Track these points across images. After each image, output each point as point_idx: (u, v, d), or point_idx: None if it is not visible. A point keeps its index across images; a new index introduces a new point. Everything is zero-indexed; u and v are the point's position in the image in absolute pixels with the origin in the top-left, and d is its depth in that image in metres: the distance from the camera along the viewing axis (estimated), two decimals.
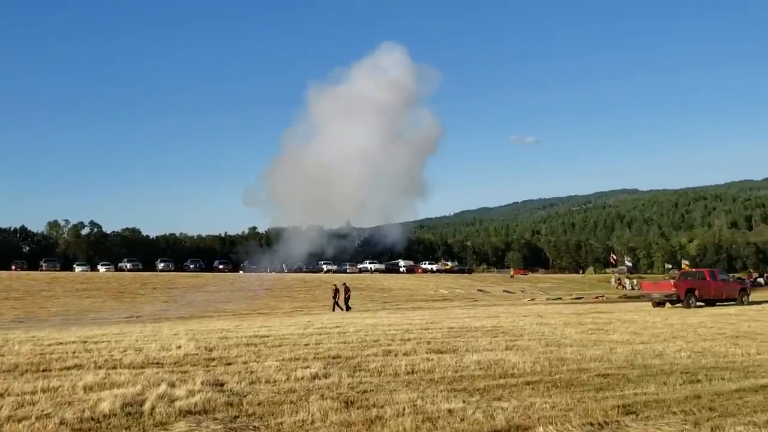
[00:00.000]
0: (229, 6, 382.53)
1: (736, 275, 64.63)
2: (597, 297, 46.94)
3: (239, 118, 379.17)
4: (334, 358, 11.33)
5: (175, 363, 10.76)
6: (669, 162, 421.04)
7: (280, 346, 13.24)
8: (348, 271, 78.23)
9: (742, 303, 30.24)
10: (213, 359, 11.22)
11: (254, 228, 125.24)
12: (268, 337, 15.06)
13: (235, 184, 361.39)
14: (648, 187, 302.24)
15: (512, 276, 78.45)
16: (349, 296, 34.85)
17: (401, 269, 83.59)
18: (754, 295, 34.52)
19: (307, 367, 9.92)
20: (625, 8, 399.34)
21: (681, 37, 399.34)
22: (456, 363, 10.52)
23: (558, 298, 46.94)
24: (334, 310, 33.06)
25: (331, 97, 77.33)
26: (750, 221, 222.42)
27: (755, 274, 64.92)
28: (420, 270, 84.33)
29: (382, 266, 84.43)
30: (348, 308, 33.70)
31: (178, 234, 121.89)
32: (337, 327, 17.83)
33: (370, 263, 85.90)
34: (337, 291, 34.47)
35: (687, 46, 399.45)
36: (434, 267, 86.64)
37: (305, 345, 13.26)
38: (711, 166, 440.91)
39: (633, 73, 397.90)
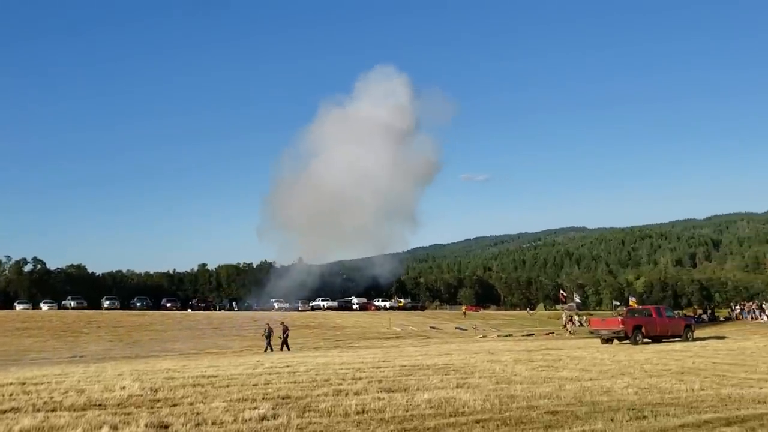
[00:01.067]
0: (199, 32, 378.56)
1: (682, 312, 66.18)
2: (547, 334, 47.39)
3: (184, 153, 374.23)
4: (283, 398, 11.15)
5: (119, 405, 10.45)
6: (616, 201, 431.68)
7: (228, 386, 12.98)
8: (300, 308, 77.40)
9: (687, 339, 30.88)
10: (158, 400, 10.93)
11: (204, 265, 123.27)
12: (215, 377, 14.75)
13: (183, 220, 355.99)
14: (595, 225, 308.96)
15: (464, 313, 78.62)
16: (287, 335, 33.18)
17: (354, 306, 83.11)
18: (699, 332, 35.31)
19: (255, 408, 9.74)
20: (570, 43, 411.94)
21: (626, 74, 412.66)
22: (407, 402, 10.47)
23: (509, 335, 47.23)
24: (266, 351, 31.41)
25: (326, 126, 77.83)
26: (694, 259, 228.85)
27: (699, 311, 66.51)
28: (373, 307, 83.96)
29: (335, 303, 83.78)
30: (287, 348, 32.18)
31: (124, 271, 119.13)
32: (288, 366, 17.56)
33: (322, 300, 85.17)
34: (271, 330, 32.74)
35: (631, 85, 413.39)
36: (387, 304, 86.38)
37: (254, 385, 13.04)
38: (656, 206, 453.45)
39: (581, 111, 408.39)
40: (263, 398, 11.08)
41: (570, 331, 47.48)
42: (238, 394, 11.56)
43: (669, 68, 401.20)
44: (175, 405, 10.42)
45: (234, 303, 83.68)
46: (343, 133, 77.12)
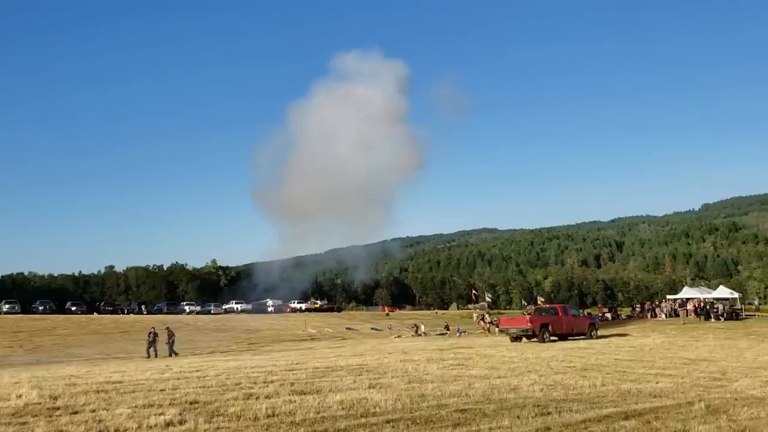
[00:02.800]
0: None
1: (587, 311, 68.93)
2: (459, 333, 48.30)
3: (91, 150, 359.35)
4: (191, 403, 10.87)
5: (14, 414, 9.92)
6: (525, 203, 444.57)
7: (133, 392, 12.55)
8: (213, 311, 75.77)
9: (591, 337, 32.16)
10: (57, 408, 10.44)
11: (112, 267, 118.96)
12: (121, 383, 14.24)
13: (89, 220, 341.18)
14: (506, 227, 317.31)
15: (387, 314, 79.07)
16: (173, 341, 31.79)
17: (269, 309, 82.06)
18: (602, 330, 36.86)
19: (161, 414, 9.46)
20: (486, 44, 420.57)
21: (535, 77, 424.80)
22: (318, 404, 10.42)
23: (423, 334, 47.92)
24: (149, 356, 29.97)
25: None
26: (598, 259, 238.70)
27: (604, 310, 69.47)
28: (288, 309, 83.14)
29: (249, 306, 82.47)
30: (173, 353, 30.84)
31: (26, 273, 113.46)
32: (197, 371, 17.16)
33: (236, 303, 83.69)
34: (156, 335, 31.12)
35: (540, 88, 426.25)
36: (303, 306, 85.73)
37: (161, 390, 12.66)
38: (563, 208, 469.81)
39: (491, 113, 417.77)
40: (170, 404, 10.77)
41: (488, 330, 48.48)
42: (144, 400, 11.20)
43: (575, 71, 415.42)
44: (75, 413, 9.99)
45: (143, 306, 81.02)
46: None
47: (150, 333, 31.44)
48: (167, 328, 32.95)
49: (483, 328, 51.45)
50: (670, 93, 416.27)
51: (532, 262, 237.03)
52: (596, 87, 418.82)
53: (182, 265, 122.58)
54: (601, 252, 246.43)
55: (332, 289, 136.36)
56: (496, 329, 49.26)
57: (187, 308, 77.71)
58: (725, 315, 46.57)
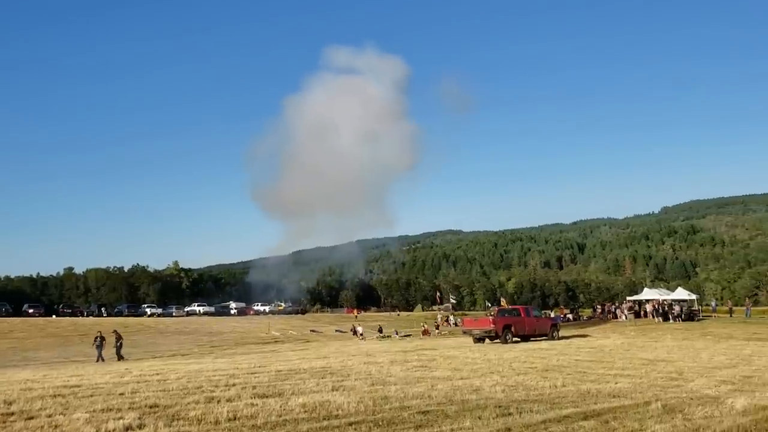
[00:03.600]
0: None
1: (550, 312, 69.80)
2: (424, 334, 48.49)
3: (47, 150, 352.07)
4: (151, 407, 10.72)
5: None
6: (490, 206, 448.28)
7: (92, 396, 12.34)
8: (174, 314, 74.80)
9: (552, 338, 32.57)
10: (12, 414, 10.21)
11: (71, 269, 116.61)
12: (79, 387, 13.98)
13: (48, 220, 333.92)
14: (471, 229, 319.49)
15: (356, 316, 78.89)
16: (120, 344, 30.91)
17: (232, 311, 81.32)
18: (564, 331, 37.33)
19: (120, 419, 9.32)
20: (434, 56, 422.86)
21: (495, 79, 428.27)
22: (281, 407, 10.37)
23: (388, 337, 47.94)
24: (98, 360, 29.16)
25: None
26: (560, 261, 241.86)
27: (566, 311, 70.42)
28: (252, 312, 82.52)
29: (212, 308, 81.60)
30: (121, 358, 29.97)
31: None
32: (158, 374, 16.93)
33: (198, 305, 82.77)
34: (103, 339, 30.31)
35: (499, 90, 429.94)
36: (267, 308, 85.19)
37: (120, 394, 12.47)
38: (526, 211, 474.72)
39: (456, 116, 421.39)
40: (129, 408, 10.61)
41: (440, 332, 48.71)
42: (103, 404, 11.01)
43: (530, 71, 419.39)
44: (31, 418, 9.77)
45: (103, 309, 79.63)
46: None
47: (96, 337, 30.59)
48: (114, 331, 32.17)
49: (426, 329, 50.89)
50: (630, 94, 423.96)
51: (496, 263, 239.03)
52: (553, 88, 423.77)
53: (143, 266, 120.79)
54: (563, 254, 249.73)
55: (296, 291, 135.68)
56: (436, 331, 49.34)
57: (148, 311, 76.63)
58: (682, 316, 47.59)
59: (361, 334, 48.41)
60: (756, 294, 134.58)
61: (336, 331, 55.31)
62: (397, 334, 49.20)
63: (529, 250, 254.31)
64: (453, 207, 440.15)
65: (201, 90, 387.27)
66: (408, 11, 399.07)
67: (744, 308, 63.12)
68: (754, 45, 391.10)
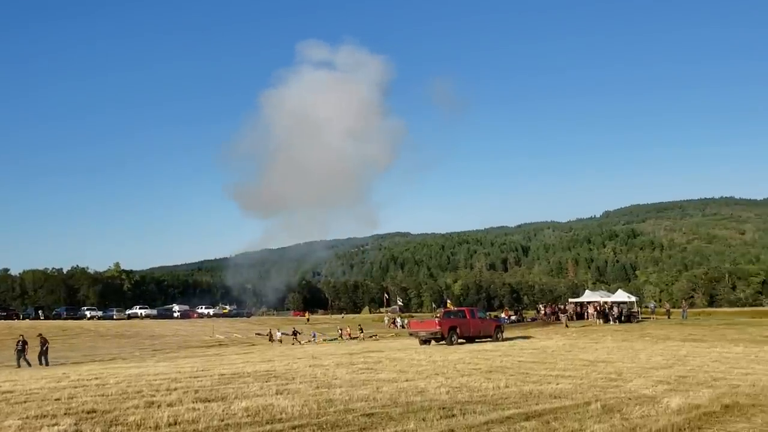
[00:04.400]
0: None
1: (494, 313, 70.75)
2: (371, 336, 48.52)
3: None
4: (88, 412, 10.41)
5: None
6: (437, 208, 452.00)
7: (25, 402, 11.92)
8: (115, 317, 72.97)
9: (497, 339, 32.96)
10: None
11: (6, 270, 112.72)
12: (12, 392, 13.50)
13: None
14: (419, 231, 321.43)
15: (308, 319, 78.31)
16: (46, 349, 29.40)
17: (175, 314, 79.79)
18: (508, 332, 37.83)
19: (55, 425, 9.02)
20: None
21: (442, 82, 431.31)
22: (223, 411, 10.19)
23: (334, 339, 47.82)
24: (19, 365, 27.69)
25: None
26: (505, 263, 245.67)
27: (510, 313, 71.46)
28: (195, 315, 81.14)
29: (154, 311, 79.88)
30: (47, 363, 28.55)
31: None
32: (97, 378, 16.46)
33: (140, 308, 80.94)
34: (25, 343, 28.78)
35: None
36: (211, 311, 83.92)
37: (56, 400, 12.07)
38: (473, 213, 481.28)
39: (405, 120, 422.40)
40: (65, 413, 10.28)
41: (363, 336, 48.02)
42: (37, 410, 10.64)
43: (481, 78, 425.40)
44: None
45: (41, 311, 77.07)
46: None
47: (18, 341, 29.01)
48: (39, 335, 30.80)
49: (346, 333, 50.60)
50: (575, 99, 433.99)
51: (443, 265, 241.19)
52: (500, 92, 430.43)
53: (83, 268, 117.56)
54: (508, 256, 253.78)
55: (242, 294, 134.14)
56: (360, 334, 48.65)
57: (88, 313, 74.52)
58: (620, 318, 48.87)
59: (279, 340, 46.37)
60: (692, 296, 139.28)
61: (282, 333, 54.87)
62: (314, 336, 48.00)
63: (475, 252, 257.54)
64: (401, 209, 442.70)
65: (149, 90, 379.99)
66: (397, 11, 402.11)
67: (681, 310, 65.18)
68: (694, 50, 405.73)
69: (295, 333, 47.71)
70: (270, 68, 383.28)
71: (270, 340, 46.87)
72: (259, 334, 53.50)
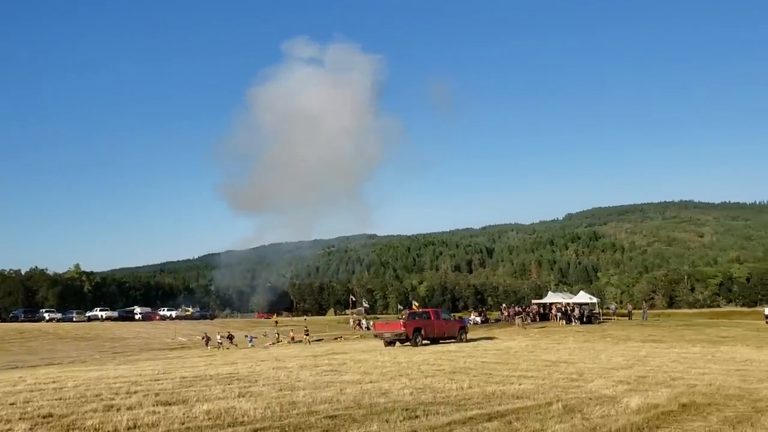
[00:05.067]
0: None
1: (459, 314, 71.15)
2: (336, 338, 48.38)
3: None
4: (44, 417, 10.16)
5: None
6: (403, 210, 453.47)
7: None
8: (75, 319, 71.57)
9: (461, 340, 33.14)
10: None
11: None
12: None
13: None
14: (385, 233, 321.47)
15: (276, 322, 77.50)
16: None
17: (137, 317, 78.54)
18: (472, 333, 38.07)
19: (9, 430, 8.81)
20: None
21: (405, 87, 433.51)
22: (184, 414, 10.05)
23: (299, 341, 47.51)
24: None
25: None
26: (470, 265, 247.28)
27: (475, 314, 71.90)
28: (157, 317, 79.97)
29: (115, 313, 78.52)
30: None
31: None
32: (54, 382, 16.10)
33: (101, 311, 79.44)
34: None
35: (406, 100, 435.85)
36: (173, 313, 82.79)
37: (11, 404, 11.76)
38: (438, 215, 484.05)
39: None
40: (20, 418, 10.02)
41: (309, 339, 46.08)
42: None
43: (445, 78, 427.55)
44: None
45: None
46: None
47: None
48: None
49: (293, 336, 48.05)
50: (535, 100, 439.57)
51: (409, 267, 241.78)
52: (462, 93, 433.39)
53: (42, 269, 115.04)
54: (473, 258, 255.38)
55: (205, 296, 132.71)
56: (306, 338, 46.60)
57: (46, 315, 72.98)
58: (582, 319, 49.56)
59: (219, 342, 43.07)
60: (652, 297, 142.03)
61: (246, 336, 54.38)
62: (250, 341, 45.47)
63: (441, 254, 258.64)
64: (367, 211, 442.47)
65: (113, 90, 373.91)
66: (392, 9, 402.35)
67: (641, 311, 66.32)
68: (652, 51, 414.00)
69: (230, 337, 44.52)
70: (258, 66, 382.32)
71: (206, 344, 43.00)
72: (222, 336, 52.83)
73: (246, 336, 48.02)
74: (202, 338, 44.73)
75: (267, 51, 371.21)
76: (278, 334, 49.14)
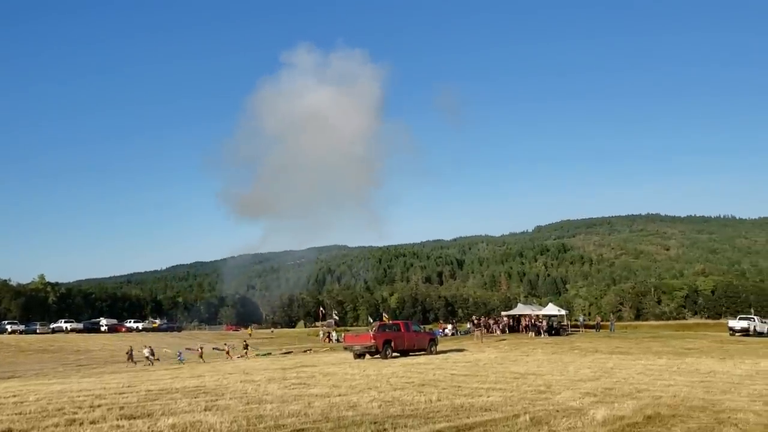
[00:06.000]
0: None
1: (430, 326, 71.21)
2: (305, 351, 48.04)
3: None
4: None
5: None
6: (374, 221, 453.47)
7: None
8: (38, 331, 70.04)
9: (431, 353, 33.14)
10: None
11: None
12: None
13: None
14: (356, 244, 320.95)
15: (250, 334, 76.71)
16: None
17: (103, 328, 77.12)
18: (442, 345, 38.08)
19: None
20: None
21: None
22: (149, 428, 9.90)
23: (268, 354, 47.04)
24: None
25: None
26: (441, 276, 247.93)
27: (445, 326, 71.98)
28: (124, 329, 78.61)
29: (80, 325, 77.00)
30: None
31: None
32: (15, 396, 15.74)
33: (65, 322, 77.86)
34: None
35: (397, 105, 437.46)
36: (140, 325, 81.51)
37: None
38: (410, 226, 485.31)
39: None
40: None
41: (246, 354, 44.14)
42: None
43: (414, 91, 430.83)
44: None
45: None
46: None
47: None
48: None
49: (227, 351, 44.58)
50: (506, 115, 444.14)
51: (380, 279, 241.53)
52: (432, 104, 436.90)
53: (5, 280, 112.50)
54: (444, 269, 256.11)
55: (173, 308, 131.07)
56: (244, 351, 44.56)
57: (8, 327, 71.26)
58: (550, 331, 49.94)
59: (148, 358, 38.48)
60: (620, 309, 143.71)
61: (213, 348, 53.75)
62: (180, 355, 41.64)
63: (412, 265, 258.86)
64: (339, 222, 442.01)
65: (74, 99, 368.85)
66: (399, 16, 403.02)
67: (609, 323, 67.09)
68: (610, 63, 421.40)
69: (152, 352, 39.61)
70: (259, 72, 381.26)
71: (129, 359, 38.69)
72: (189, 349, 52.11)
73: (181, 351, 43.25)
74: (127, 353, 39.57)
75: (269, 57, 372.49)
76: (246, 347, 47.87)
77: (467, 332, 62.10)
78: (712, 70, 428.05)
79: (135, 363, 37.74)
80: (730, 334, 49.10)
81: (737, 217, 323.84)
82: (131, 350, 39.68)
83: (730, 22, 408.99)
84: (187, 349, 45.77)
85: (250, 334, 76.51)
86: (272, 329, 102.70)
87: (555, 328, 51.23)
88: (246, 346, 45.22)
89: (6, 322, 77.08)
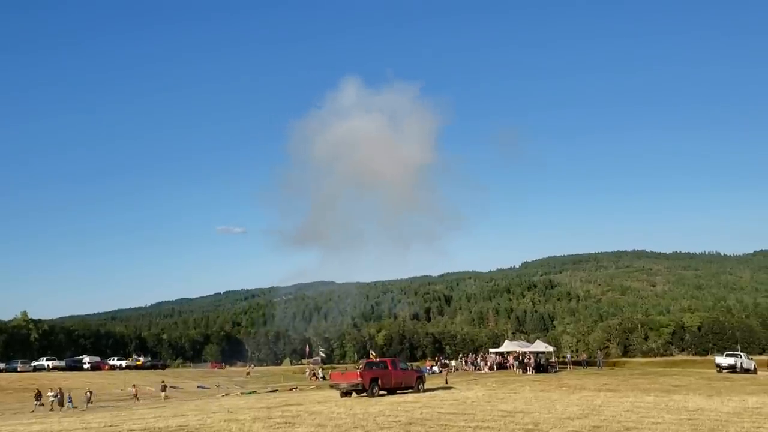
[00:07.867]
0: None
1: (416, 364, 70.64)
2: (291, 389, 47.48)
3: None
4: None
5: None
6: (361, 257, 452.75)
7: None
8: (19, 369, 68.83)
9: (418, 390, 32.80)
10: None
11: None
12: None
13: None
14: (343, 280, 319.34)
15: (248, 373, 75.74)
16: None
17: (85, 366, 75.91)
18: (429, 383, 37.75)
19: None
20: None
21: None
22: None
23: (253, 392, 46.43)
24: None
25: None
26: (429, 313, 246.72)
27: (432, 363, 71.46)
28: (107, 366, 77.44)
29: (62, 363, 75.72)
30: None
31: None
32: None
33: (47, 360, 76.55)
34: None
35: None
36: (124, 363, 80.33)
37: None
38: (397, 262, 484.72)
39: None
40: None
41: (318, 378, 44.20)
42: None
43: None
44: None
45: None
46: None
47: None
48: None
49: (135, 393, 42.45)
50: (493, 149, 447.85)
51: (367, 315, 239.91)
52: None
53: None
54: (431, 306, 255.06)
55: (157, 345, 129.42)
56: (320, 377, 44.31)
57: None
58: (538, 368, 49.73)
59: (52, 401, 35.66)
60: (607, 346, 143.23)
61: (198, 386, 53.05)
62: (70, 401, 37.31)
63: (399, 301, 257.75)
64: (326, 258, 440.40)
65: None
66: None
67: (596, 359, 66.89)
68: (592, 99, 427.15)
69: (90, 394, 37.19)
70: (297, 111, 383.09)
71: (36, 400, 36.22)
72: (173, 387, 51.33)
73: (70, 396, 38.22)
74: (35, 395, 37.05)
75: (313, 90, 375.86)
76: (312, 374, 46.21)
77: (456, 369, 61.62)
78: (695, 107, 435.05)
79: (42, 405, 35.66)
80: (718, 371, 49.12)
81: (722, 254, 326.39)
82: (38, 390, 37.46)
83: (709, 60, 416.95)
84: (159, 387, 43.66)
85: (248, 373, 75.58)
86: (251, 366, 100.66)
87: (543, 365, 50.99)
88: (164, 387, 41.98)
89: None
